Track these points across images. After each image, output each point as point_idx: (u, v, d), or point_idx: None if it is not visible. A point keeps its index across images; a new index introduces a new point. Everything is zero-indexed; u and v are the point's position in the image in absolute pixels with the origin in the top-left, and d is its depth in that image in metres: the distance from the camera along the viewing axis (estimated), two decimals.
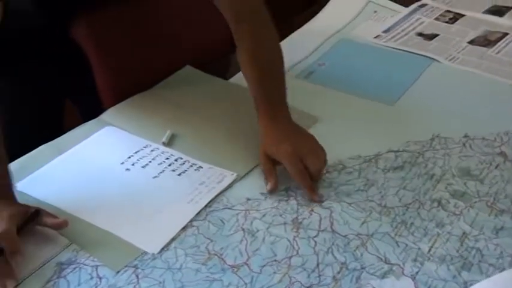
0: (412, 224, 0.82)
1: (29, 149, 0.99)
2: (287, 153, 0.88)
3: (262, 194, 0.89)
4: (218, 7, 0.99)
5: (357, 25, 1.39)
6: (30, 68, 1.15)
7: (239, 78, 1.18)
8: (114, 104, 1.11)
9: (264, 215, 0.84)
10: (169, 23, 1.20)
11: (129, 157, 0.95)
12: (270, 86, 0.97)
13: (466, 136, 1.00)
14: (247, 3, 0.99)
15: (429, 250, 0.78)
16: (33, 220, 0.79)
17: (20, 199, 0.83)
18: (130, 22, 1.14)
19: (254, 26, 0.98)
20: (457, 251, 0.78)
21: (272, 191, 0.88)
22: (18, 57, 1.12)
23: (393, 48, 1.29)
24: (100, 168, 0.93)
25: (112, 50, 1.12)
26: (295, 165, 0.88)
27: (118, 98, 1.12)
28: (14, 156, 0.96)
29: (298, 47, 1.29)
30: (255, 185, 0.90)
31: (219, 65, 1.28)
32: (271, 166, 0.91)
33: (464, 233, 0.81)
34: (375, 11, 1.44)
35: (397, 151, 0.97)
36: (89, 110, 1.11)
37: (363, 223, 0.82)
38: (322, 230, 0.81)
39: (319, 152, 0.90)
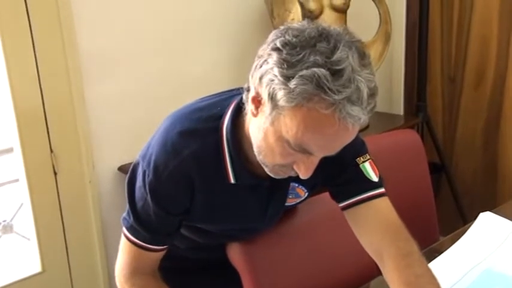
0: None
1: None
2: None
3: None
4: (362, 244, 1.05)
5: (501, 256, 1.36)
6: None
7: None
8: None
9: None
10: (314, 253, 1.27)
11: None
12: None
13: None
14: (388, 239, 1.03)
15: None
16: None
17: None
18: (280, 250, 1.22)
19: (403, 265, 1.00)
20: None
21: None
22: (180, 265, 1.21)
23: None
24: None
25: (262, 272, 1.18)
26: None
27: None
28: None
29: (439, 275, 1.27)
30: None
31: None
32: None
33: None
34: None
35: None
36: None
37: None
38: None
39: None
